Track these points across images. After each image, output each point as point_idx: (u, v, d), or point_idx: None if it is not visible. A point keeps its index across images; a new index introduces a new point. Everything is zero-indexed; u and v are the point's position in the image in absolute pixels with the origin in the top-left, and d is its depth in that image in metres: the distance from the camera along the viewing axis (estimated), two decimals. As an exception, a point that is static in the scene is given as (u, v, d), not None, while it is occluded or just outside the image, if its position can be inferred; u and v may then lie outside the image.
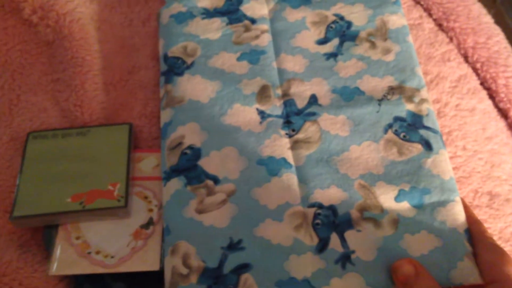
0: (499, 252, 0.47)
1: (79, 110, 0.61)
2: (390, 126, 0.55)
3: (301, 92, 0.58)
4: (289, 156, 0.54)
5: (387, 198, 0.51)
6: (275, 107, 0.57)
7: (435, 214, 0.50)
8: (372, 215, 0.50)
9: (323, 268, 0.48)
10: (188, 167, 0.54)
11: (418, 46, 0.68)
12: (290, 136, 0.55)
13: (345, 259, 0.49)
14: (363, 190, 0.52)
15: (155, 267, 0.51)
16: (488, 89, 0.67)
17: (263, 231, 0.50)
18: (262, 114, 0.56)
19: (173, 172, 0.54)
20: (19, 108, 0.62)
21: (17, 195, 0.53)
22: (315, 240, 0.50)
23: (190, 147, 0.55)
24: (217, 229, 0.50)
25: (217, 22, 0.63)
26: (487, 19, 0.71)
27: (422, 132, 0.54)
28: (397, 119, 0.55)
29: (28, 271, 0.52)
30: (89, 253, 0.52)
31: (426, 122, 0.55)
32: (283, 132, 0.55)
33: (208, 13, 0.64)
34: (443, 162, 0.53)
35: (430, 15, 0.73)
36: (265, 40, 0.62)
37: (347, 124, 0.55)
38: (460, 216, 0.50)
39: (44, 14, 0.65)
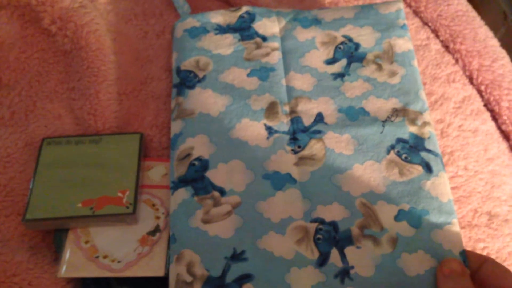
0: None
1: (93, 118, 0.63)
2: (392, 147, 0.56)
3: (308, 110, 0.60)
4: (294, 171, 0.56)
5: (387, 217, 0.53)
6: (282, 123, 0.59)
7: (432, 235, 0.51)
8: (372, 232, 0.52)
9: (322, 282, 0.50)
10: (196, 178, 0.55)
11: (424, 67, 0.70)
12: (295, 153, 0.57)
13: (344, 274, 0.50)
14: (364, 208, 0.53)
15: (160, 273, 0.53)
16: (491, 111, 0.68)
17: (266, 243, 0.52)
18: (269, 130, 0.58)
19: (181, 182, 0.56)
20: (35, 114, 0.64)
21: (30, 198, 0.55)
22: (316, 254, 0.51)
23: (198, 159, 0.56)
24: (222, 240, 0.52)
25: (230, 38, 0.65)
26: (493, 42, 0.72)
27: (423, 154, 0.56)
28: (399, 140, 0.57)
29: (37, 272, 0.54)
30: (97, 257, 0.53)
31: (428, 145, 0.56)
32: (289, 148, 0.57)
33: (221, 29, 0.66)
34: (442, 184, 0.54)
35: (437, 36, 0.74)
36: (275, 57, 0.64)
37: (351, 143, 0.57)
38: (456, 238, 0.51)
39: (63, 24, 0.68)
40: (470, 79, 0.70)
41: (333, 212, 0.53)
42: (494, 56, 0.70)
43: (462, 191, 0.61)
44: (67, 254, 0.53)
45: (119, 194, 0.56)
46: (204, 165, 0.56)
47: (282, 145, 0.57)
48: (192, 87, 0.61)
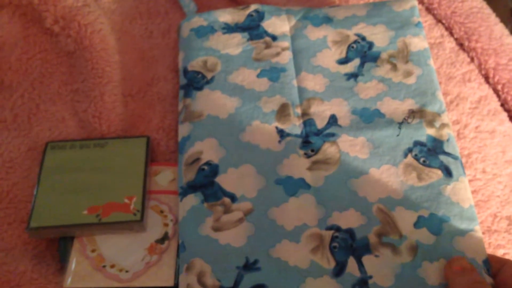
0: None
1: (98, 121, 0.61)
2: (410, 150, 0.54)
3: (320, 112, 0.58)
4: (307, 176, 0.54)
5: (406, 223, 0.50)
6: (295, 126, 0.57)
7: (454, 242, 0.49)
8: (391, 240, 0.50)
9: None
10: (205, 183, 0.53)
11: (438, 66, 0.68)
12: (308, 157, 0.55)
13: (362, 284, 0.48)
14: (382, 215, 0.51)
15: (169, 283, 0.51)
16: (508, 111, 0.66)
17: (280, 252, 0.50)
18: (281, 133, 0.56)
19: (190, 188, 0.54)
20: (38, 117, 0.63)
21: (34, 206, 0.53)
22: (332, 264, 0.49)
23: (207, 163, 0.54)
24: (233, 248, 0.50)
25: (238, 37, 0.63)
26: (509, 40, 0.70)
27: (442, 158, 0.54)
28: (417, 143, 0.55)
29: (42, 282, 0.52)
30: (104, 266, 0.52)
31: (447, 148, 0.54)
32: (302, 152, 0.55)
33: (229, 28, 0.64)
34: (463, 189, 0.52)
35: (451, 34, 0.72)
36: (286, 57, 0.62)
37: (367, 146, 0.55)
38: (478, 246, 0.49)
39: (66, 24, 0.66)
40: (486, 78, 0.68)
41: (349, 219, 0.51)
42: (511, 54, 0.68)
43: (481, 195, 0.59)
44: (72, 264, 0.52)
45: (126, 201, 0.54)
46: (213, 170, 0.54)
47: (295, 148, 0.55)
48: (200, 88, 0.59)
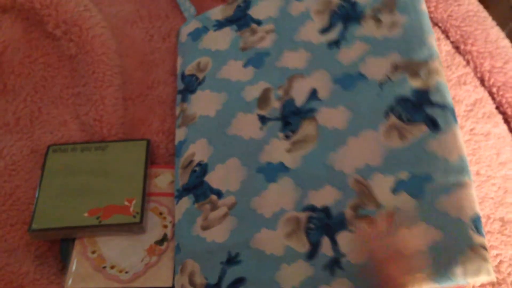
0: None
1: (99, 124, 0.62)
2: (391, 109, 0.51)
3: (301, 88, 0.56)
4: (287, 159, 0.53)
5: (383, 190, 0.48)
6: (275, 109, 0.56)
7: (436, 203, 0.46)
8: (367, 212, 0.48)
9: (311, 276, 0.47)
10: (196, 184, 0.54)
11: (434, 69, 0.69)
12: (288, 138, 0.54)
13: (334, 264, 0.47)
14: (358, 186, 0.49)
15: (168, 283, 0.52)
16: (503, 113, 0.67)
17: (258, 242, 0.50)
18: (262, 119, 0.55)
19: (184, 190, 0.55)
20: (40, 120, 0.64)
21: (36, 208, 0.55)
22: (307, 247, 0.49)
23: (199, 164, 0.55)
24: (218, 244, 0.51)
25: (227, 31, 0.63)
26: (505, 43, 0.71)
27: (428, 109, 0.50)
28: (400, 100, 0.51)
29: (44, 282, 0.54)
30: (104, 267, 0.53)
31: (434, 96, 0.50)
32: (282, 134, 0.54)
33: (220, 24, 0.64)
34: (451, 141, 0.48)
35: (447, 37, 0.73)
36: (270, 40, 0.60)
37: (346, 115, 0.52)
38: (466, 202, 0.45)
39: (68, 28, 0.67)
40: (482, 81, 0.69)
41: (324, 196, 0.49)
42: (506, 57, 0.69)
43: (475, 197, 0.60)
44: (73, 265, 0.53)
45: (126, 203, 0.55)
46: (204, 169, 0.55)
47: (275, 132, 0.54)
48: (194, 91, 0.60)
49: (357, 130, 0.51)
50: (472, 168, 0.61)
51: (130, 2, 0.74)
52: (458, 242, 0.44)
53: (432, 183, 0.46)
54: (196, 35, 0.64)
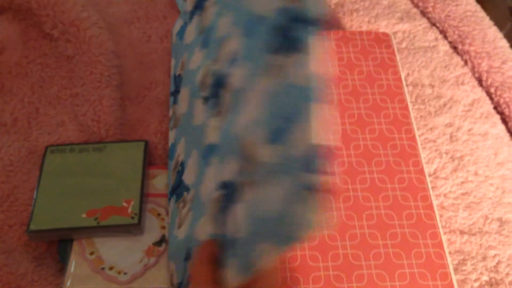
0: None
1: (96, 125, 0.62)
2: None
3: (231, 50, 0.47)
4: (216, 138, 0.47)
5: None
6: (211, 86, 0.50)
7: None
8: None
9: None
10: (178, 184, 0.54)
11: (432, 69, 0.69)
12: (220, 114, 0.47)
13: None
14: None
15: (166, 284, 0.52)
16: (501, 113, 0.67)
17: (198, 233, 0.46)
18: (205, 100, 0.51)
19: (171, 192, 0.55)
20: (37, 121, 0.64)
21: (34, 209, 0.54)
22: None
23: (181, 164, 0.54)
24: (181, 241, 0.50)
25: (194, 20, 0.59)
26: (503, 43, 0.71)
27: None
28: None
29: (42, 283, 0.53)
30: (103, 268, 0.53)
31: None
32: (214, 111, 0.48)
33: (191, 15, 0.60)
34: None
35: (445, 37, 0.73)
36: (212, 13, 0.54)
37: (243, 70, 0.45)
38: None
39: (65, 28, 0.67)
40: (479, 81, 0.69)
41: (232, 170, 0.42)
42: (504, 57, 0.69)
43: (473, 197, 0.60)
44: (72, 266, 0.53)
45: (124, 204, 0.55)
46: (182, 168, 0.54)
47: (212, 111, 0.49)
48: (179, 91, 0.59)
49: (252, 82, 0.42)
50: (470, 168, 0.62)
51: (127, 3, 0.74)
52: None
53: None
54: (181, 33, 0.63)
